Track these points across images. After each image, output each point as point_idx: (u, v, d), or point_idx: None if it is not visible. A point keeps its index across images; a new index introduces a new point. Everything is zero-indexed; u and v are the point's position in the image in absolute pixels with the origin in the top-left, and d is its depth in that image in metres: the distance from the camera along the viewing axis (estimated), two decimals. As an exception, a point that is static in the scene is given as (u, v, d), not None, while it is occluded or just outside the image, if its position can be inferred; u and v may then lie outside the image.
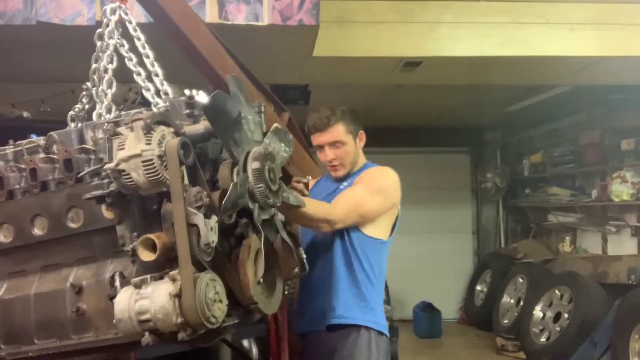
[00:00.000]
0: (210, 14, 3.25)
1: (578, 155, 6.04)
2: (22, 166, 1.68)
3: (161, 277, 1.38)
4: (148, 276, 1.37)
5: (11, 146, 1.76)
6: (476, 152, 7.74)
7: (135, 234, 1.44)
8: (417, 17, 3.74)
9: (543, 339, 5.19)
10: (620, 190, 5.17)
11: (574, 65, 4.17)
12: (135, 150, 1.35)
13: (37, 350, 1.61)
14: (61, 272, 1.63)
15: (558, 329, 5.06)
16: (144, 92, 1.77)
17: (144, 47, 1.81)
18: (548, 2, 3.83)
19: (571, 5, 3.84)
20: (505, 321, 6.01)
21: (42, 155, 1.69)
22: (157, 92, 1.76)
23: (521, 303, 5.85)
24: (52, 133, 1.72)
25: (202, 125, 1.44)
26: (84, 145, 1.64)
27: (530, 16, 3.80)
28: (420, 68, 4.08)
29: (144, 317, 1.33)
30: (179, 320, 1.31)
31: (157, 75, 1.77)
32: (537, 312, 5.39)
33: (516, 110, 6.23)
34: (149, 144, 1.36)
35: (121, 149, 1.38)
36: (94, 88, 1.85)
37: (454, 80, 4.67)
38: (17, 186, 1.69)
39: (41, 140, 1.73)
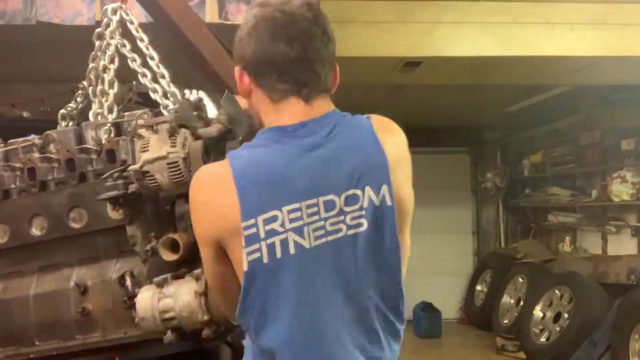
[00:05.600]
0: (210, 14, 3.25)
1: (578, 155, 6.04)
2: (17, 165, 1.67)
3: (180, 277, 1.40)
4: (168, 275, 1.40)
5: (0, 145, 1.74)
6: (476, 152, 7.73)
7: (152, 234, 1.46)
8: (417, 17, 3.73)
9: (543, 339, 5.19)
10: (620, 190, 5.16)
11: (574, 65, 4.17)
12: (161, 152, 1.38)
13: (39, 352, 1.60)
14: (62, 273, 1.62)
15: (558, 329, 5.06)
16: (151, 93, 1.76)
17: (147, 49, 1.80)
18: (548, 2, 3.83)
19: (571, 5, 3.84)
20: (505, 321, 6.01)
21: (36, 154, 1.68)
22: (165, 94, 1.75)
23: (521, 303, 5.84)
24: (49, 132, 1.72)
25: (215, 128, 1.46)
26: (87, 146, 1.64)
27: (530, 16, 3.80)
28: (420, 68, 4.08)
29: (168, 315, 1.38)
30: (205, 317, 1.35)
31: (163, 77, 1.77)
32: (537, 312, 5.39)
33: (516, 110, 6.22)
34: (174, 146, 1.38)
35: (145, 151, 1.40)
36: (91, 87, 1.85)
37: (454, 80, 4.67)
38: (13, 186, 1.67)
39: (36, 139, 1.72)
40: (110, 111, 1.75)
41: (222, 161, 1.15)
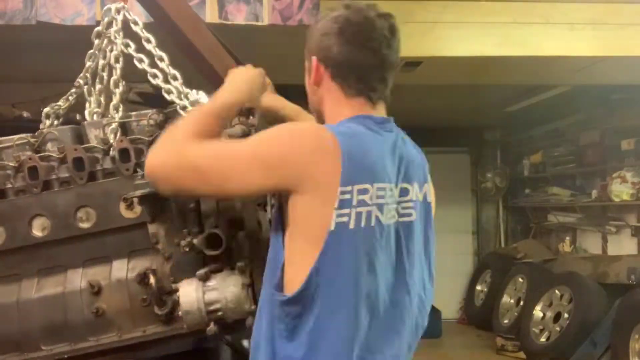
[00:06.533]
0: (210, 14, 3.24)
1: (578, 155, 6.04)
2: (11, 164, 1.63)
3: (218, 270, 1.46)
4: (207, 269, 1.44)
5: None
6: (476, 152, 7.73)
7: (186, 230, 1.48)
8: (417, 17, 3.73)
9: (543, 339, 5.19)
10: (620, 190, 5.17)
11: (574, 65, 4.17)
12: None
13: (47, 357, 1.56)
14: (66, 274, 1.59)
15: (558, 329, 5.06)
16: (164, 93, 1.75)
17: (155, 50, 1.79)
18: (548, 2, 3.83)
19: (571, 5, 3.84)
20: (505, 321, 6.01)
21: (29, 153, 1.64)
22: (179, 94, 1.74)
23: (521, 303, 5.84)
24: (48, 130, 1.70)
25: (239, 129, 1.50)
26: (93, 144, 1.63)
27: (530, 16, 3.80)
28: (420, 68, 4.08)
29: (213, 307, 1.43)
30: (252, 307, 1.41)
31: (175, 78, 1.76)
32: (537, 312, 5.39)
33: (516, 110, 6.23)
34: None
35: None
36: (86, 86, 1.84)
37: (454, 80, 4.67)
38: (9, 185, 1.63)
39: (30, 138, 1.70)
40: (117, 110, 1.73)
41: (322, 127, 1.23)
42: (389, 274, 1.22)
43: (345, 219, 1.14)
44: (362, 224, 1.15)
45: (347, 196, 1.14)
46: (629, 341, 4.33)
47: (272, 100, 1.63)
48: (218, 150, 1.19)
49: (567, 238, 6.33)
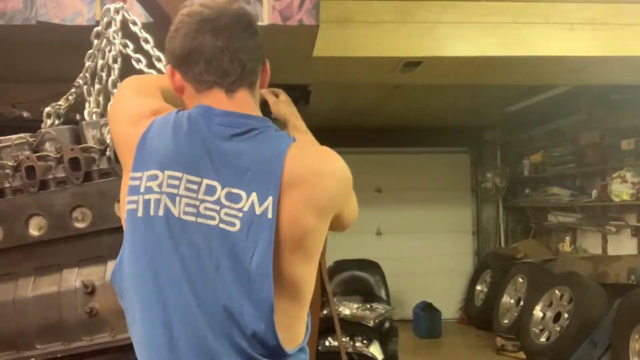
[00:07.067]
0: (210, 14, 3.24)
1: (578, 155, 6.04)
2: (9, 163, 1.64)
3: None
4: None
5: None
6: (476, 152, 7.73)
7: None
8: (417, 17, 3.73)
9: (543, 339, 5.19)
10: (620, 190, 5.16)
11: (574, 65, 4.17)
12: None
13: (41, 355, 1.57)
14: (62, 273, 1.60)
15: (558, 329, 5.06)
16: None
17: (153, 50, 1.79)
18: (548, 2, 3.82)
19: (571, 5, 3.84)
20: (505, 321, 6.01)
21: (27, 152, 1.65)
22: None
23: (521, 303, 5.84)
24: (46, 130, 1.70)
25: None
26: (90, 145, 1.63)
27: (530, 16, 3.80)
28: (420, 68, 4.08)
29: None
30: None
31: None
32: (537, 312, 5.39)
33: (516, 110, 6.22)
34: None
35: None
36: (85, 86, 1.84)
37: (454, 80, 4.67)
38: (7, 184, 1.64)
39: (28, 137, 1.70)
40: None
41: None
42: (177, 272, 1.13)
43: (134, 206, 1.12)
44: (151, 212, 1.11)
45: (137, 182, 1.13)
46: (629, 341, 4.33)
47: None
48: None
49: (567, 238, 6.33)
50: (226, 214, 1.09)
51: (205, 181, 1.11)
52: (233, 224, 1.09)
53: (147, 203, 1.11)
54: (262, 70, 1.25)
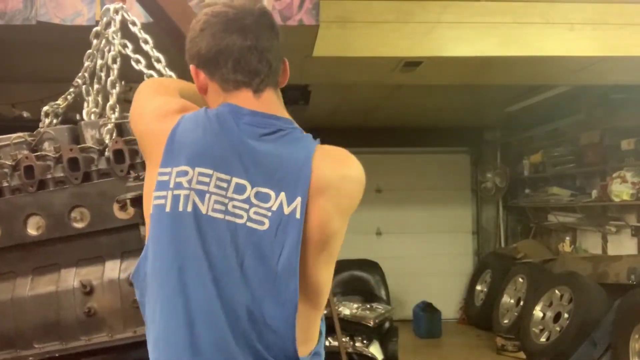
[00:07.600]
0: (210, 14, 3.24)
1: (578, 155, 6.04)
2: (8, 162, 1.63)
3: None
4: None
5: None
6: (476, 152, 7.73)
7: None
8: (417, 17, 3.73)
9: (543, 339, 5.18)
10: (620, 190, 5.16)
11: (574, 65, 4.17)
12: None
13: (39, 354, 1.57)
14: (60, 273, 1.60)
15: (558, 329, 5.05)
16: None
17: (153, 51, 1.79)
18: (548, 2, 3.82)
19: (571, 5, 3.84)
20: (505, 321, 6.01)
21: (25, 152, 1.65)
22: None
23: (521, 303, 5.84)
24: (45, 129, 1.70)
25: None
26: (89, 145, 1.63)
27: (530, 16, 3.80)
28: (420, 68, 4.08)
29: None
30: None
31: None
32: (537, 312, 5.39)
33: (516, 110, 6.22)
34: None
35: None
36: (84, 85, 1.84)
37: (454, 80, 4.67)
38: (5, 184, 1.63)
39: (27, 137, 1.70)
40: (113, 110, 1.74)
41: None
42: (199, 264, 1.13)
43: (162, 201, 1.11)
44: (180, 208, 1.10)
45: (165, 177, 1.12)
46: (629, 341, 4.33)
47: None
48: None
49: (567, 238, 6.32)
50: (255, 213, 1.11)
51: (235, 179, 1.12)
52: (262, 223, 1.11)
53: (176, 198, 1.10)
54: (282, 69, 1.25)
